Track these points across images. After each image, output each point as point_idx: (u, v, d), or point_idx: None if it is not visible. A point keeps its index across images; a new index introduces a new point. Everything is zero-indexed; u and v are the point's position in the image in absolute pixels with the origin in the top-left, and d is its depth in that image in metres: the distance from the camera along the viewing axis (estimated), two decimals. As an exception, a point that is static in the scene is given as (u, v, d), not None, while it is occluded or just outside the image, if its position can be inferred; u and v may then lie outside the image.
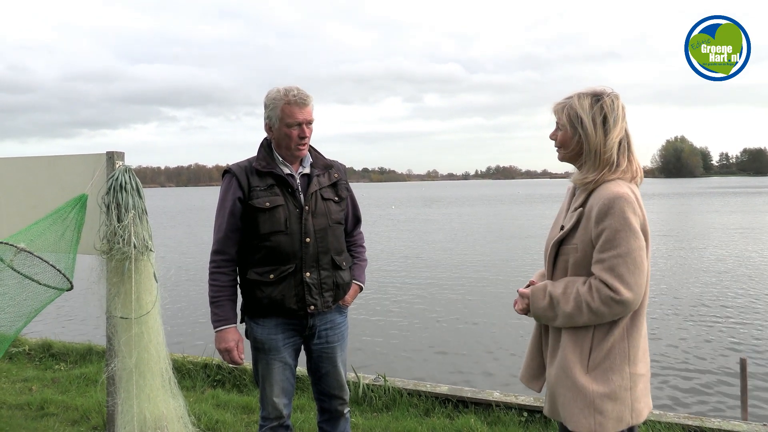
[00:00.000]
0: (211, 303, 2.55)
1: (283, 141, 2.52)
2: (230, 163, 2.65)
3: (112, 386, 3.03)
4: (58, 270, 2.62)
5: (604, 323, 1.85)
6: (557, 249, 1.96)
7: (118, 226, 2.84)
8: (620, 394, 1.83)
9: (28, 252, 2.55)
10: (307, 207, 2.53)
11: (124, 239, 2.84)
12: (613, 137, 1.87)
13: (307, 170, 2.61)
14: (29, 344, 5.79)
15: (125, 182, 2.91)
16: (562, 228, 1.96)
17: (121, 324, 2.90)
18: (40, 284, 2.60)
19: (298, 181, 2.57)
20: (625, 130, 1.91)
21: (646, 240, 1.84)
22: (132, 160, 3.04)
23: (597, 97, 1.89)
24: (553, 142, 2.02)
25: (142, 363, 2.92)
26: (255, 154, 2.63)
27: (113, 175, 2.92)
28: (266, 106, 2.53)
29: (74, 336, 7.60)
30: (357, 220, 2.85)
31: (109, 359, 3.01)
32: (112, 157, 3.00)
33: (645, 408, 1.89)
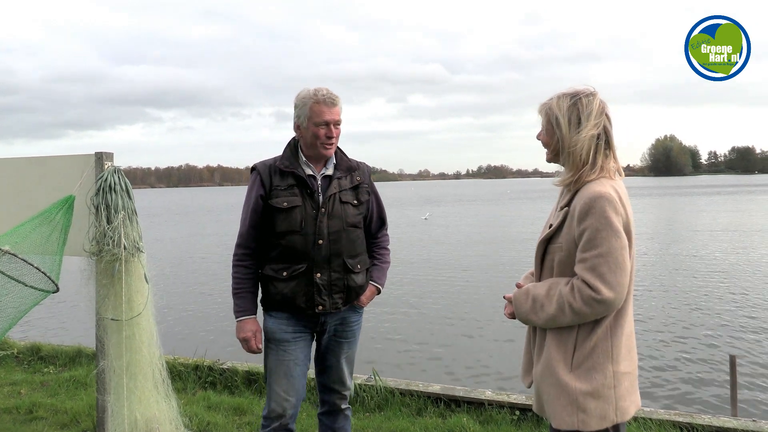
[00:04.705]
0: (233, 294, 2.64)
1: (311, 140, 2.56)
2: (255, 162, 2.70)
3: (102, 389, 3.01)
4: (42, 272, 2.59)
5: (587, 322, 1.85)
6: (545, 247, 1.97)
7: (108, 228, 2.82)
8: (603, 393, 1.83)
9: (13, 254, 2.53)
10: (323, 209, 2.56)
11: (113, 240, 2.82)
12: (584, 134, 1.86)
13: (329, 172, 2.63)
14: (18, 347, 5.74)
15: (114, 183, 2.89)
16: (550, 227, 1.97)
17: (111, 326, 2.88)
18: (26, 286, 2.57)
19: (319, 182, 2.60)
20: (605, 129, 1.90)
21: (630, 239, 1.84)
22: (121, 161, 3.02)
23: (575, 97, 1.90)
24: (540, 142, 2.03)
25: (134, 365, 2.90)
26: (252, 153, 2.66)
27: (102, 176, 2.90)
28: (296, 106, 2.58)
29: (63, 339, 7.54)
30: (382, 222, 2.86)
31: (99, 362, 2.99)
32: (101, 157, 2.98)
33: (632, 406, 1.90)
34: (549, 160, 2.00)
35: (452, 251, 17.75)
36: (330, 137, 2.55)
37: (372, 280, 2.78)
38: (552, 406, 1.89)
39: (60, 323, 9.44)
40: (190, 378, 4.81)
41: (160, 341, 3.03)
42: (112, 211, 2.85)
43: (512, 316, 2.04)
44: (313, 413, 3.74)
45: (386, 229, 2.91)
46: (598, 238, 1.77)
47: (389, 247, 2.92)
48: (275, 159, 2.64)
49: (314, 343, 2.76)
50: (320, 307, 2.58)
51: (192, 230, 28.50)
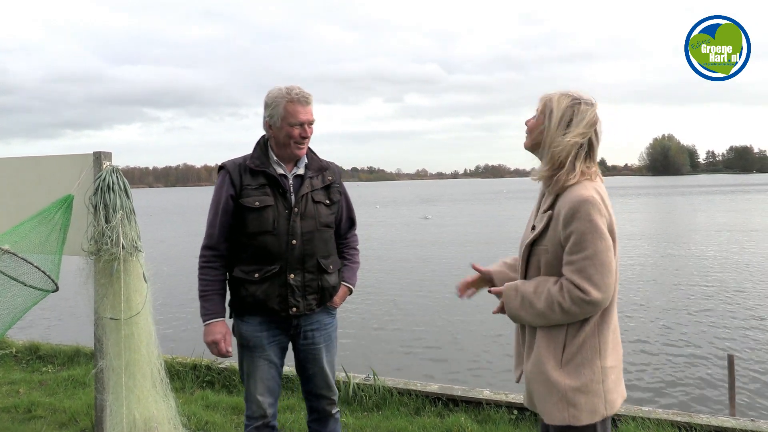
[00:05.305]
0: (200, 297, 2.56)
1: (284, 140, 2.51)
2: (223, 161, 2.64)
3: (101, 388, 3.01)
4: (42, 271, 2.59)
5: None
6: (530, 249, 2.00)
7: (106, 227, 2.82)
8: (592, 387, 1.88)
9: (12, 253, 2.52)
10: (296, 209, 2.52)
11: (112, 240, 2.81)
12: (568, 139, 1.90)
13: (301, 171, 2.60)
14: (16, 346, 5.74)
15: (113, 183, 2.89)
16: (533, 228, 2.01)
17: (110, 325, 2.87)
18: (26, 285, 2.57)
19: (290, 182, 2.56)
20: (590, 141, 1.94)
21: (613, 239, 1.89)
22: (119, 161, 3.02)
23: (575, 100, 1.94)
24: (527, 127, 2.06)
25: (132, 364, 2.89)
26: (250, 151, 2.62)
27: (100, 176, 2.90)
28: (267, 105, 2.53)
29: (61, 338, 7.53)
30: (351, 223, 2.84)
31: (98, 361, 2.99)
32: (99, 157, 2.97)
33: (619, 398, 1.96)
34: (527, 146, 2.04)
35: (449, 251, 17.76)
36: (304, 137, 2.52)
37: (344, 281, 2.75)
38: (543, 403, 1.94)
39: (58, 322, 9.43)
40: (189, 377, 4.81)
41: (159, 340, 3.03)
42: (111, 210, 2.84)
43: (500, 311, 2.06)
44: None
45: (355, 230, 2.88)
46: (584, 241, 1.82)
47: (358, 247, 2.90)
48: (244, 158, 2.58)
49: (294, 352, 2.71)
50: (294, 309, 2.53)
51: (190, 229, 28.46)
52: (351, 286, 2.79)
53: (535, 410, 2.02)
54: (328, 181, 2.65)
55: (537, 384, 1.95)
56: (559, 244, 1.90)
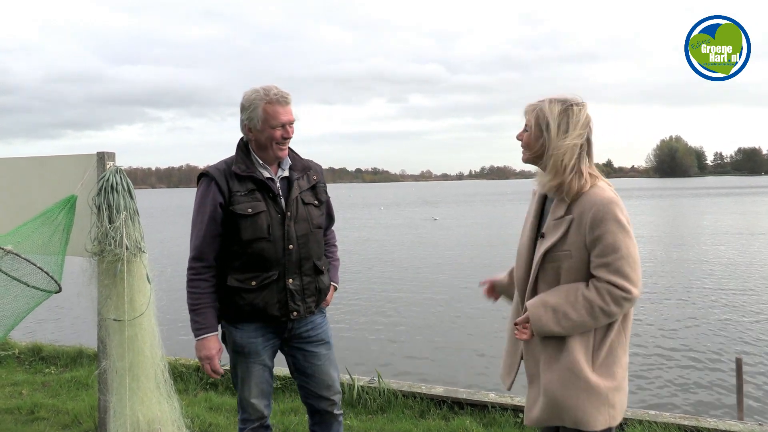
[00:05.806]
0: (191, 310, 2.47)
1: (266, 142, 2.45)
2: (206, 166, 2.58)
3: (104, 389, 3.00)
4: (45, 272, 2.58)
5: None
6: (543, 257, 1.98)
7: (110, 228, 2.81)
8: (622, 384, 1.93)
9: (15, 254, 2.51)
10: (288, 213, 2.47)
11: (115, 241, 2.80)
12: (569, 142, 1.92)
13: (286, 173, 2.54)
14: (19, 347, 5.73)
15: (116, 183, 2.88)
16: (542, 236, 1.99)
17: (113, 326, 2.86)
18: (28, 286, 2.56)
19: (278, 185, 2.51)
20: (588, 140, 1.97)
21: None
22: (121, 161, 3.00)
23: (566, 104, 1.95)
24: (520, 142, 2.06)
25: (136, 365, 2.88)
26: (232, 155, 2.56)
27: (104, 176, 2.89)
28: (244, 108, 2.44)
29: (64, 339, 7.54)
30: (331, 220, 2.81)
31: (101, 362, 2.98)
32: (102, 157, 2.96)
33: None
34: (526, 161, 2.05)
35: (454, 252, 17.72)
36: (286, 138, 2.46)
37: (331, 281, 2.73)
38: (582, 410, 1.88)
39: (61, 324, 9.44)
40: (192, 379, 4.80)
41: (162, 342, 3.01)
42: (114, 211, 2.83)
43: (531, 335, 1.99)
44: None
45: (333, 226, 2.86)
46: (617, 241, 1.85)
47: (337, 243, 2.87)
48: (227, 163, 2.50)
49: (289, 356, 2.67)
50: (295, 313, 2.49)
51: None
52: (337, 285, 2.78)
53: (559, 423, 1.95)
54: (314, 180, 2.61)
55: (573, 392, 1.89)
56: (583, 248, 1.90)
